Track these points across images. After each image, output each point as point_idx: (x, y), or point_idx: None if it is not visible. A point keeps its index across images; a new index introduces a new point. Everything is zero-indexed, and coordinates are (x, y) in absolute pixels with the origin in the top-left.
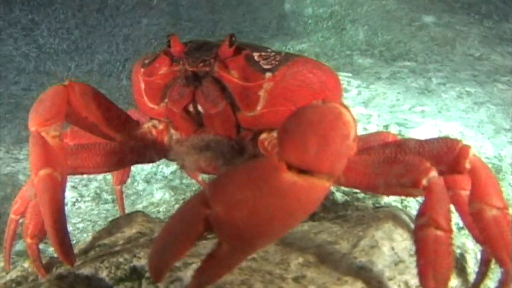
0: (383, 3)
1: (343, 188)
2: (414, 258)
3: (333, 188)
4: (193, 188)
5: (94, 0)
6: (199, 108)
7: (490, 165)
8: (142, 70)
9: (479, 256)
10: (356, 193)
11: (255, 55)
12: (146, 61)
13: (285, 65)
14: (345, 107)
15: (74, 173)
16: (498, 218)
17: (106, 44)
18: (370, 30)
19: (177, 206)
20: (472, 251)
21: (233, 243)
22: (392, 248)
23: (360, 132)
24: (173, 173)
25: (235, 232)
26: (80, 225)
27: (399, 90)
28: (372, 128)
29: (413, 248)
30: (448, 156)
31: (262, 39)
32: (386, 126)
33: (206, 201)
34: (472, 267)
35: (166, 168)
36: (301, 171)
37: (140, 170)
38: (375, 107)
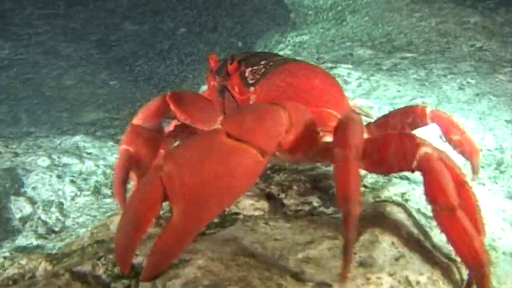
0: None
1: None
2: (415, 253)
3: (331, 182)
4: None
5: None
6: None
7: (491, 157)
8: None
9: None
10: None
11: (247, 71)
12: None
13: (265, 78)
14: (294, 109)
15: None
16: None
17: None
18: (371, 21)
19: None
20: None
21: (183, 206)
22: (393, 243)
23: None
24: None
25: (184, 191)
26: (80, 220)
27: (400, 81)
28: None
29: (414, 243)
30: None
31: (262, 30)
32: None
33: (161, 166)
34: None
35: None
36: (237, 139)
37: None
38: (376, 99)
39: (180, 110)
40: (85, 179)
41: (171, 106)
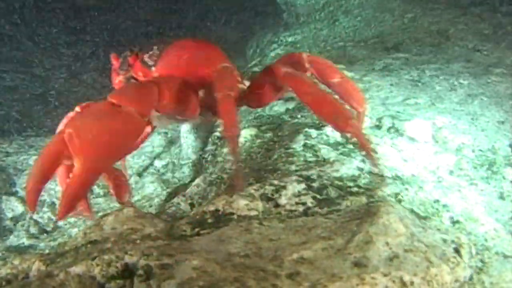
0: None
1: (336, 182)
2: (410, 254)
3: (326, 182)
4: (185, 182)
5: None
6: None
7: (483, 158)
8: None
9: (473, 251)
10: (350, 187)
11: (145, 56)
12: None
13: (160, 58)
14: (166, 83)
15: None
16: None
17: None
18: (363, 21)
19: (170, 200)
20: (467, 246)
21: (82, 159)
22: (387, 243)
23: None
24: (164, 166)
25: (82, 148)
26: (72, 219)
27: (392, 81)
28: (366, 121)
29: (408, 243)
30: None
31: (254, 29)
32: (379, 119)
33: (63, 130)
34: (466, 261)
35: (158, 161)
36: (119, 106)
37: (132, 163)
38: (369, 99)
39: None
40: None
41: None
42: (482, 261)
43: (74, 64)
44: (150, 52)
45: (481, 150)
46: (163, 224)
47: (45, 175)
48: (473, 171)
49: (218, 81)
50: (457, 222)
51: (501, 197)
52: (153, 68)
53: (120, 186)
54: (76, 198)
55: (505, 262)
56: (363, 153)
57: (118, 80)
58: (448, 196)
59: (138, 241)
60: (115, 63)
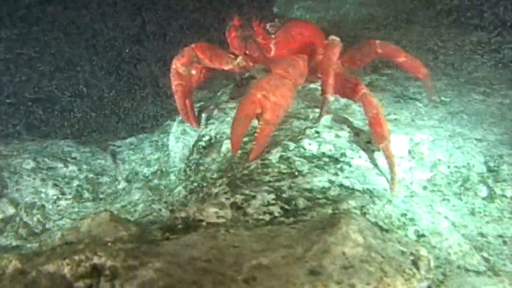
0: (370, 10)
1: (306, 193)
2: (365, 264)
3: (295, 194)
4: (171, 188)
5: None
6: None
7: (458, 174)
8: None
9: (432, 264)
10: (318, 198)
11: (268, 25)
12: None
13: (280, 29)
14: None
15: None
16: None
17: None
18: (355, 36)
19: (153, 206)
20: (426, 258)
21: (271, 112)
22: (344, 253)
23: (332, 138)
24: (153, 173)
25: (271, 105)
26: (60, 223)
27: (376, 97)
28: (344, 135)
29: (365, 254)
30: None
31: None
32: (358, 133)
33: (255, 92)
34: (423, 273)
35: (147, 168)
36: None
37: (122, 169)
38: (351, 114)
39: (203, 55)
40: (67, 183)
41: (198, 52)
42: (443, 274)
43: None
44: (272, 23)
45: (456, 167)
46: (136, 228)
47: (246, 126)
48: (447, 187)
49: (327, 52)
50: (422, 235)
51: (472, 213)
52: (273, 36)
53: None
54: (266, 141)
55: (466, 275)
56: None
57: (233, 35)
58: (416, 210)
59: (109, 244)
60: (236, 21)
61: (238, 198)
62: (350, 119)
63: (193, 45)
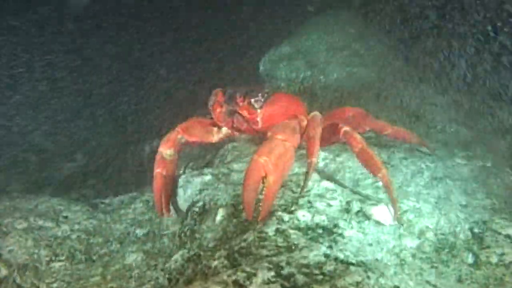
0: (354, 70)
1: (304, 269)
2: None
3: (294, 270)
4: (165, 252)
5: None
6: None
7: (444, 241)
8: None
9: None
10: (315, 274)
11: (252, 100)
12: None
13: (265, 103)
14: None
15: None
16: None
17: None
18: (341, 97)
19: (148, 272)
20: None
21: (274, 176)
22: None
23: (324, 207)
24: (145, 235)
25: (274, 169)
26: (54, 285)
27: None
28: (336, 204)
29: None
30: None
31: None
32: (348, 203)
33: (258, 157)
34: None
35: (139, 229)
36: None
37: (114, 230)
38: (340, 181)
39: (189, 136)
40: (60, 244)
41: (182, 135)
42: None
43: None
44: (256, 98)
45: (443, 234)
46: None
47: (255, 190)
48: (435, 254)
49: (311, 123)
50: (404, 263)
51: (459, 280)
52: (259, 110)
53: (166, 203)
54: (272, 202)
55: None
56: (389, 198)
57: (218, 110)
58: (407, 282)
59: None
60: (220, 97)
61: (240, 275)
62: (339, 186)
63: (178, 128)
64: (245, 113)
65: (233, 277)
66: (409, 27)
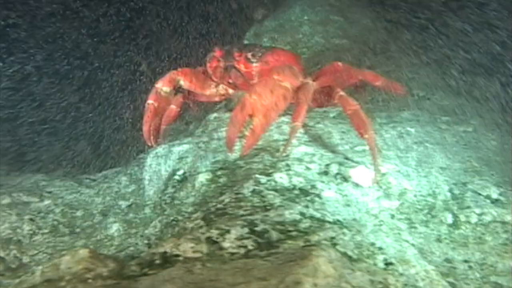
0: (335, 42)
1: (278, 226)
2: None
3: (268, 227)
4: (147, 221)
5: None
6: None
7: (424, 202)
8: None
9: None
10: (290, 231)
11: (249, 54)
12: None
13: (261, 57)
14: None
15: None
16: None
17: None
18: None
19: (129, 240)
20: (394, 286)
21: (261, 115)
22: (315, 285)
23: (303, 171)
24: (128, 206)
25: (261, 108)
26: (37, 257)
27: (343, 129)
28: (314, 167)
29: (335, 284)
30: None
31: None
32: (327, 165)
33: (249, 96)
34: None
35: (122, 201)
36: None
37: (97, 203)
38: (319, 146)
39: (187, 80)
40: (43, 217)
41: (182, 77)
42: None
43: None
44: (253, 52)
45: (422, 195)
46: (115, 264)
47: (240, 127)
48: (414, 215)
49: (302, 89)
50: (390, 264)
51: (438, 240)
52: (254, 64)
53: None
54: (257, 141)
55: None
56: (372, 161)
57: (215, 65)
58: (385, 239)
59: (90, 281)
60: (218, 53)
61: (213, 232)
62: (319, 151)
63: (178, 70)
64: (241, 67)
65: (207, 234)
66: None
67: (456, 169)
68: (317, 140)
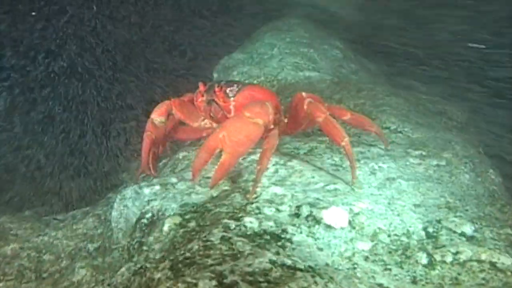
0: (305, 74)
1: (248, 277)
2: None
3: (237, 278)
4: (115, 266)
5: None
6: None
7: (398, 243)
8: None
9: None
10: (260, 282)
11: (228, 89)
12: None
13: (238, 93)
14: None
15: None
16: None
17: None
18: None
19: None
20: None
21: (229, 151)
22: None
23: (273, 213)
24: (96, 249)
25: (231, 143)
26: None
27: (314, 167)
28: (285, 209)
29: None
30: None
31: None
32: (298, 207)
33: (218, 132)
34: None
35: (90, 244)
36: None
37: (65, 245)
38: (290, 186)
39: (178, 111)
40: (8, 263)
41: (174, 108)
42: None
43: None
44: (231, 88)
45: (396, 235)
46: None
47: (206, 160)
48: (388, 256)
49: (268, 137)
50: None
51: (414, 281)
52: (232, 98)
53: (154, 164)
54: (222, 175)
55: None
56: (348, 163)
57: (200, 100)
58: (358, 286)
59: None
60: (202, 88)
61: (180, 287)
62: (290, 191)
63: (171, 101)
64: (220, 101)
65: None
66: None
67: (430, 205)
68: (288, 179)
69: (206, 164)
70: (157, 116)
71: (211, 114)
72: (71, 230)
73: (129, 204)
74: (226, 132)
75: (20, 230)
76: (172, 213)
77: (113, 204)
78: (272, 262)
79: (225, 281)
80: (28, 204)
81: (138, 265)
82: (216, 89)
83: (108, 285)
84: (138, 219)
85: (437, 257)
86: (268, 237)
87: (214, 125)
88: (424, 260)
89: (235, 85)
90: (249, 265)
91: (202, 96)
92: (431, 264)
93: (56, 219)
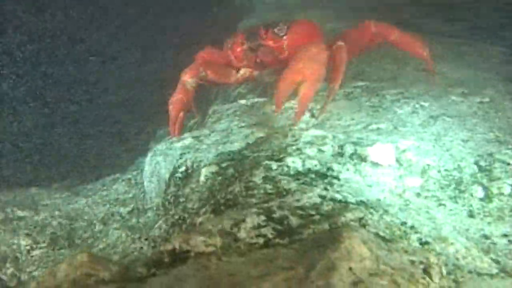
0: (334, 25)
1: (298, 211)
2: (375, 277)
3: (286, 213)
4: (151, 225)
5: None
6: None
7: (450, 177)
8: None
9: (444, 271)
10: (311, 215)
11: (275, 30)
12: None
13: (288, 30)
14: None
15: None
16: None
17: None
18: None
19: (133, 245)
20: (437, 266)
21: (309, 81)
22: (350, 269)
23: (315, 153)
24: (129, 212)
25: (311, 72)
26: (36, 273)
27: (353, 109)
28: (328, 149)
29: (373, 267)
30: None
31: None
32: (341, 146)
33: (297, 62)
34: (437, 281)
35: (123, 208)
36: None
37: (97, 211)
38: (330, 128)
39: (210, 71)
40: (40, 231)
41: (205, 69)
42: (455, 281)
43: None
44: (279, 27)
45: (447, 170)
46: (118, 268)
47: (288, 91)
48: (440, 192)
49: (337, 52)
50: (426, 243)
51: (471, 215)
52: (284, 37)
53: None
54: (307, 106)
55: (479, 280)
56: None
57: (239, 50)
58: (415, 218)
59: (92, 286)
60: (240, 37)
61: (226, 223)
62: (330, 133)
63: (199, 61)
64: (270, 43)
65: (219, 226)
66: None
67: (479, 140)
68: (326, 122)
69: (289, 95)
70: (188, 77)
71: (257, 60)
72: (101, 196)
73: (160, 160)
74: (303, 63)
75: (50, 200)
76: (207, 163)
77: (143, 167)
78: (322, 197)
79: (274, 215)
80: (57, 175)
81: (176, 217)
82: (262, 33)
83: (146, 239)
84: (172, 174)
85: (494, 190)
86: (313, 175)
87: (255, 73)
88: (480, 193)
89: (281, 24)
90: (298, 201)
91: (242, 44)
92: (488, 197)
93: (85, 188)
